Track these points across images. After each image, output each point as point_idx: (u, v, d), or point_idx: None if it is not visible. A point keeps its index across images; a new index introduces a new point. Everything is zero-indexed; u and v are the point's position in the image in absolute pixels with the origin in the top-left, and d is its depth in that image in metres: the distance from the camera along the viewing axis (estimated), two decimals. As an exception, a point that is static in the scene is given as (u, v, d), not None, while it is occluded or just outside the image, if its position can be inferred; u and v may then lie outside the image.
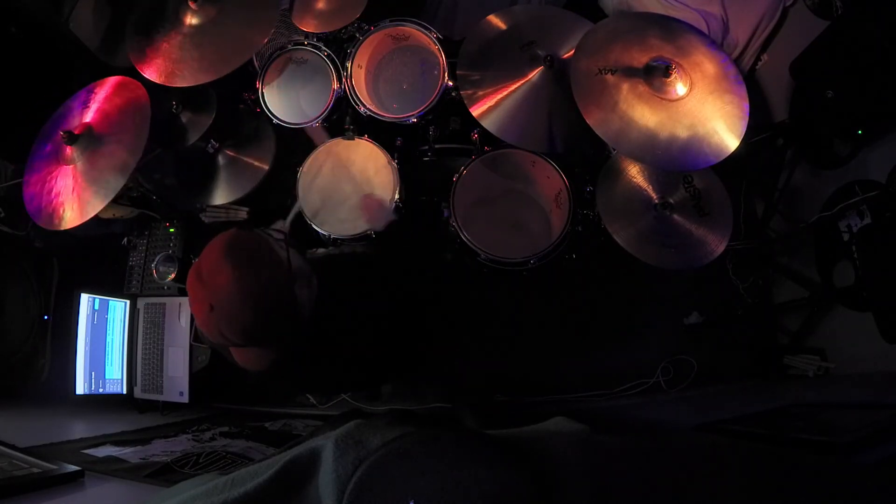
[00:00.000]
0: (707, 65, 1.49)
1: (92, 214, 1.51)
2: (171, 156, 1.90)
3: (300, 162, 1.81)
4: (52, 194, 1.58)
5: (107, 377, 1.89)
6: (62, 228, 1.53)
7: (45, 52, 1.93)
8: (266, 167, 1.85)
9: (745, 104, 1.45)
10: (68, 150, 1.58)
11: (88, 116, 1.63)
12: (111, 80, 1.67)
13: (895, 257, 1.57)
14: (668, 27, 1.56)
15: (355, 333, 1.10)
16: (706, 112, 1.43)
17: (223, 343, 0.91)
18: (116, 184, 1.52)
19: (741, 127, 1.43)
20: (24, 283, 1.93)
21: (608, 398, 2.08)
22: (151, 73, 1.63)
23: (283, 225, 1.54)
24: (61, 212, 1.54)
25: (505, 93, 1.63)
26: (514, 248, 1.69)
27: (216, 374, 1.90)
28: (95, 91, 1.67)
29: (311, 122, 1.79)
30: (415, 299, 1.32)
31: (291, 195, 1.81)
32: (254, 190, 1.84)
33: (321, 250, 1.66)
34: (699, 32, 1.58)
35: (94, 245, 2.09)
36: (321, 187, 1.79)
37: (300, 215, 1.70)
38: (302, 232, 1.74)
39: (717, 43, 1.60)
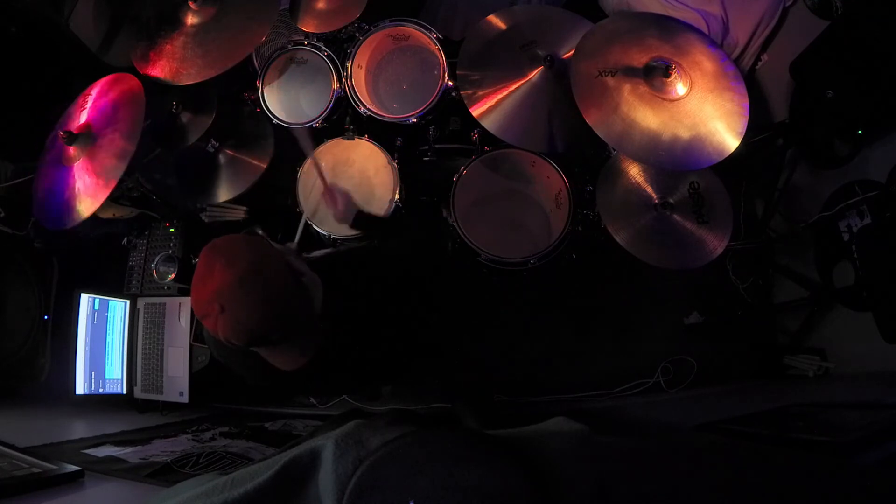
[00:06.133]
0: (706, 63, 1.49)
1: (98, 204, 1.51)
2: (171, 156, 1.90)
3: (300, 162, 1.81)
4: (67, 197, 1.58)
5: (107, 377, 1.89)
6: (79, 221, 1.53)
7: (45, 52, 1.93)
8: (266, 167, 1.86)
9: (745, 102, 1.46)
10: (70, 150, 1.58)
11: (85, 116, 1.64)
12: (103, 79, 1.68)
13: (895, 257, 1.57)
14: (666, 27, 1.55)
15: (362, 330, 1.10)
16: (707, 111, 1.43)
17: (252, 342, 0.89)
18: (117, 170, 1.52)
19: (742, 125, 1.43)
20: (24, 283, 1.93)
21: (608, 398, 2.08)
22: (157, 76, 1.64)
23: (292, 245, 1.55)
24: (78, 206, 1.55)
25: (505, 93, 1.63)
26: (514, 248, 1.69)
27: (216, 374, 1.90)
28: (88, 92, 1.68)
29: (312, 121, 1.79)
30: (419, 296, 1.32)
31: (291, 195, 1.81)
32: (251, 188, 1.84)
33: (321, 251, 1.67)
34: (697, 31, 1.58)
35: (94, 245, 2.09)
36: (321, 187, 1.79)
37: (307, 229, 1.70)
38: (308, 244, 1.74)
39: (715, 42, 1.60)
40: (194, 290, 0.88)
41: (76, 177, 1.57)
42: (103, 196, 1.51)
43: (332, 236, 1.73)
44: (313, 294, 0.95)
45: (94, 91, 1.67)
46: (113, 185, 1.51)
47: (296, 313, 0.92)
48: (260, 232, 0.98)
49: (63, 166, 1.60)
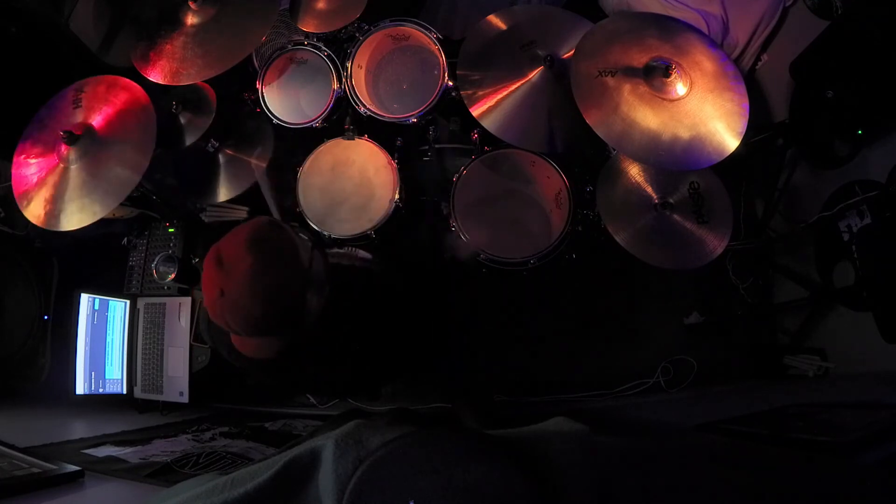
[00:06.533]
0: (706, 63, 1.49)
1: (103, 214, 1.51)
2: (171, 156, 1.90)
3: (300, 162, 1.81)
4: (48, 196, 1.57)
5: (107, 377, 1.89)
6: (60, 229, 1.53)
7: (45, 52, 1.93)
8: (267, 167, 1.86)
9: (745, 102, 1.45)
10: (64, 149, 1.56)
11: (92, 119, 1.61)
12: (105, 81, 1.66)
13: (895, 257, 1.57)
14: (666, 26, 1.55)
15: (357, 341, 1.10)
16: (707, 111, 1.43)
17: (225, 328, 0.91)
18: (130, 182, 1.53)
19: (742, 125, 1.43)
20: (24, 283, 1.93)
21: (608, 398, 2.08)
22: (156, 76, 1.63)
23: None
24: (55, 212, 1.55)
25: (505, 93, 1.63)
26: (514, 248, 1.69)
27: (216, 374, 1.90)
28: (86, 91, 1.66)
29: (312, 121, 1.79)
30: (418, 311, 1.32)
31: (291, 195, 1.81)
32: (251, 189, 1.84)
33: (335, 251, 1.67)
34: (697, 31, 1.58)
35: (94, 245, 2.09)
36: (321, 187, 1.79)
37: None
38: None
39: (715, 42, 1.60)
40: (213, 260, 0.88)
41: (75, 179, 1.56)
42: (113, 204, 1.52)
43: (331, 236, 1.73)
44: (314, 313, 0.95)
45: (94, 91, 1.65)
46: (124, 196, 1.52)
47: (284, 330, 0.93)
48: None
49: (57, 163, 1.59)
